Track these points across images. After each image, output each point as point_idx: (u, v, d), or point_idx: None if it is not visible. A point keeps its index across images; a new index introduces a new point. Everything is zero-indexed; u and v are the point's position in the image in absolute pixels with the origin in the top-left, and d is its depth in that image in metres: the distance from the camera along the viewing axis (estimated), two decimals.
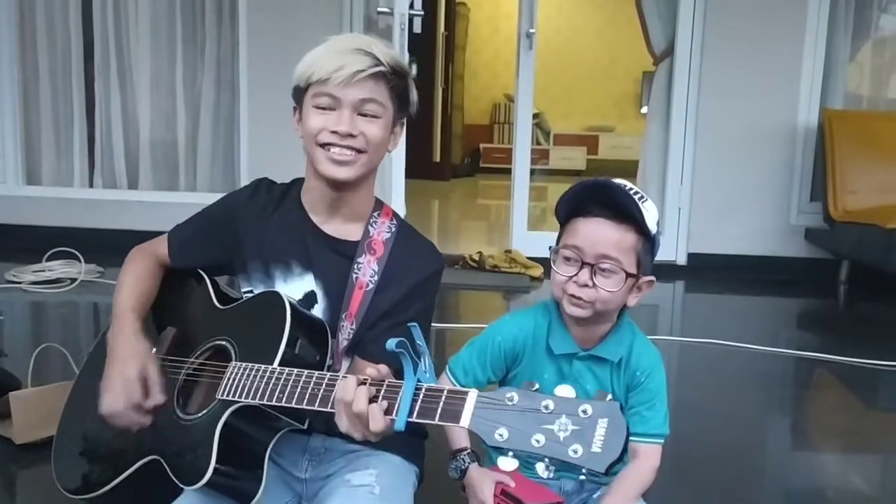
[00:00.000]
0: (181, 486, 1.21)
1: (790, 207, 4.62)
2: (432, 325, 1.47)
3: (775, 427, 2.59)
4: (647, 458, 1.34)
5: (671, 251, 4.63)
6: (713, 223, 4.64)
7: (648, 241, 1.28)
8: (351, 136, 1.29)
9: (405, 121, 1.42)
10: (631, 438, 1.33)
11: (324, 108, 1.30)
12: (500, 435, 0.88)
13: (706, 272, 4.52)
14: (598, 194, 1.28)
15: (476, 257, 4.40)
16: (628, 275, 1.26)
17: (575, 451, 0.84)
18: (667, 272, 4.46)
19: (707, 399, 2.65)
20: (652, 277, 1.33)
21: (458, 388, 0.97)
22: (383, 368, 1.05)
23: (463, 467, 1.36)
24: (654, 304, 3.92)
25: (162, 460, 1.24)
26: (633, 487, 1.32)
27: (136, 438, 1.31)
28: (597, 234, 1.26)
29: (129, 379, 1.27)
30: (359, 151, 1.31)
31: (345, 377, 1.07)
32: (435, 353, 2.88)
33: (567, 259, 1.29)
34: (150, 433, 1.29)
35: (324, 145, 1.31)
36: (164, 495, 1.29)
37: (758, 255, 4.60)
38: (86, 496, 1.37)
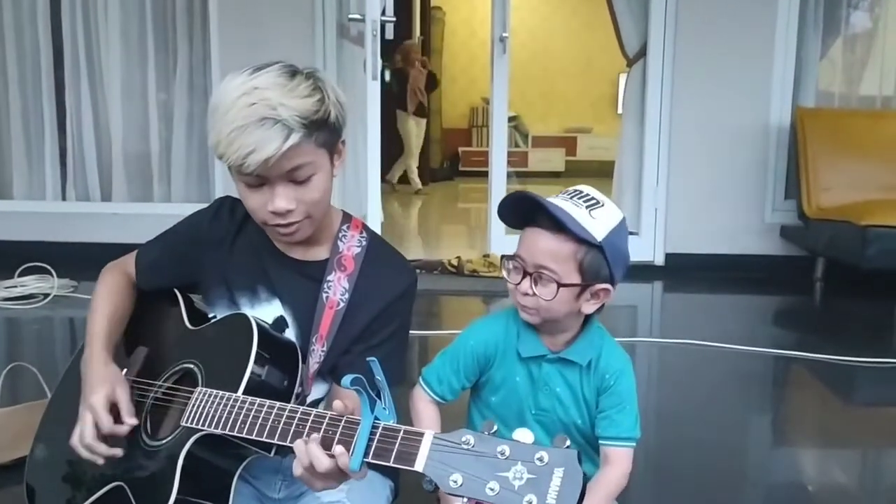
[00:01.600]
0: None
1: (765, 206, 4.66)
2: (411, 331, 1.45)
3: (754, 425, 2.60)
4: (618, 463, 1.34)
5: (649, 251, 4.65)
6: (689, 223, 4.66)
7: (595, 248, 1.26)
8: (290, 211, 1.23)
9: (345, 139, 1.33)
10: (602, 442, 1.36)
11: (254, 186, 1.22)
12: (455, 481, 0.86)
13: (683, 272, 4.55)
14: (534, 205, 1.28)
15: (455, 262, 4.40)
16: (560, 285, 1.26)
17: (529, 502, 0.82)
18: (644, 272, 4.49)
19: (685, 399, 2.66)
20: (607, 286, 1.31)
21: (414, 429, 0.95)
22: (350, 403, 1.02)
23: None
24: (632, 305, 3.93)
25: (126, 487, 1.22)
26: (605, 495, 1.32)
27: (104, 463, 1.27)
28: (534, 244, 1.28)
29: (96, 406, 1.23)
30: (303, 219, 1.26)
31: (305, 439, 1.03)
32: (415, 360, 2.88)
33: (515, 268, 1.31)
34: (116, 458, 1.26)
35: (266, 222, 1.26)
36: None
37: (734, 253, 4.63)
38: None
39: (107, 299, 1.40)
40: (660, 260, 4.69)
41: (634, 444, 1.36)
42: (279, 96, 1.17)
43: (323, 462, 0.98)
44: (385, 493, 1.38)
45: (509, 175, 4.81)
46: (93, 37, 4.75)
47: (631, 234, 1.41)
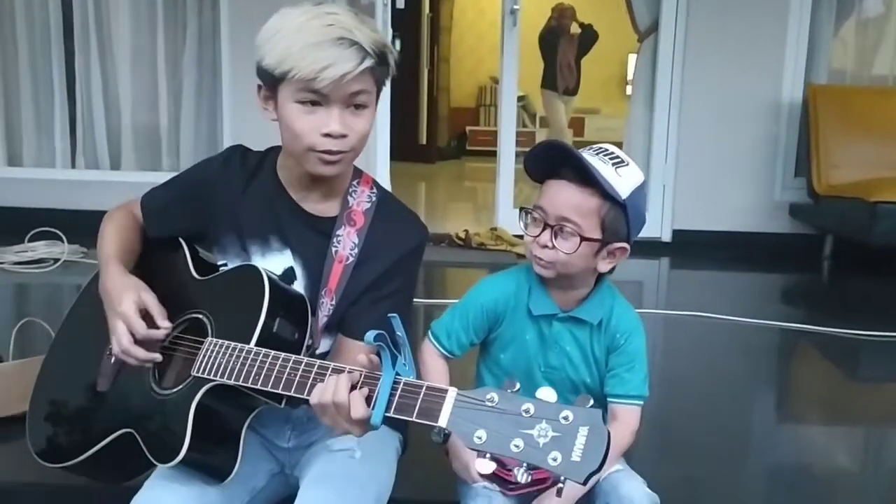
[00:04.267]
0: (155, 462, 1.20)
1: (774, 183, 4.64)
2: (419, 300, 1.45)
3: (759, 397, 2.60)
4: (626, 421, 1.35)
5: (656, 228, 4.64)
6: (698, 200, 4.65)
7: (618, 206, 1.27)
8: (342, 136, 1.22)
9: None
10: (610, 400, 1.37)
11: (310, 106, 1.21)
12: (479, 437, 0.88)
13: (691, 248, 4.54)
14: (565, 157, 1.27)
15: (462, 235, 4.41)
16: (583, 239, 1.26)
17: (554, 459, 0.84)
18: (652, 249, 4.48)
19: (692, 370, 2.67)
20: (624, 244, 1.31)
21: (438, 385, 0.96)
22: (375, 359, 1.03)
23: (445, 431, 1.36)
24: (639, 281, 3.91)
25: (136, 434, 1.22)
26: (612, 451, 1.32)
27: (111, 409, 1.29)
28: (559, 196, 1.28)
29: (127, 313, 1.23)
30: (349, 151, 1.25)
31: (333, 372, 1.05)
32: (421, 330, 2.89)
33: (535, 220, 1.31)
34: (125, 405, 1.27)
35: (313, 146, 1.23)
36: (138, 467, 1.28)
37: (742, 231, 4.61)
38: (60, 465, 1.35)
39: (117, 231, 1.39)
40: (667, 236, 4.68)
41: (642, 402, 1.37)
42: (354, 22, 1.20)
43: (360, 409, 1.01)
44: (394, 444, 1.40)
45: (517, 155, 4.80)
46: (102, 6, 4.75)
47: None
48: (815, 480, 1.93)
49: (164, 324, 1.25)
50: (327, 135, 1.21)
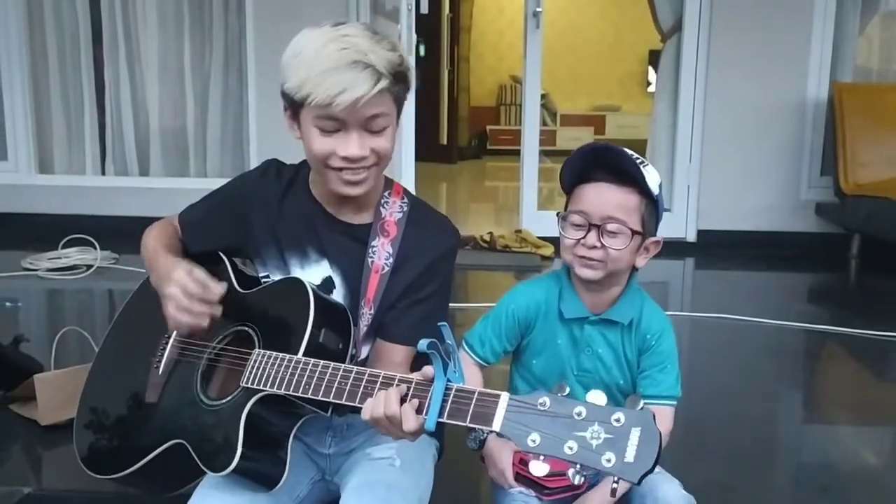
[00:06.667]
0: (207, 471, 1.22)
1: (800, 182, 4.61)
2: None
3: (786, 399, 2.60)
4: (661, 422, 1.35)
5: (681, 228, 4.62)
6: (723, 200, 4.62)
7: (651, 202, 1.34)
8: (363, 157, 1.25)
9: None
10: (644, 401, 1.37)
11: (328, 131, 1.24)
12: (533, 440, 0.90)
13: (716, 249, 4.50)
14: (599, 160, 1.33)
15: (487, 238, 4.42)
16: (634, 232, 1.32)
17: (608, 460, 0.86)
18: (677, 249, 4.45)
19: (718, 372, 2.67)
20: (658, 238, 1.38)
21: (489, 390, 0.98)
22: (428, 372, 1.04)
23: (481, 438, 1.39)
24: (664, 281, 3.91)
25: (187, 445, 1.25)
26: None
27: (161, 421, 1.31)
28: (601, 197, 1.32)
29: (181, 278, 1.24)
30: (371, 167, 1.28)
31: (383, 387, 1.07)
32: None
33: (575, 224, 1.34)
34: (175, 416, 1.30)
35: (334, 168, 1.27)
36: (188, 477, 1.31)
37: (768, 230, 4.58)
38: (110, 476, 1.38)
39: (162, 238, 1.42)
40: (692, 237, 4.65)
41: (675, 402, 1.39)
42: (369, 44, 1.22)
43: (412, 422, 1.02)
44: (431, 451, 1.42)
45: (540, 155, 4.80)
46: (130, 13, 4.80)
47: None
48: (846, 483, 1.93)
49: (218, 288, 1.26)
50: (346, 157, 1.25)
